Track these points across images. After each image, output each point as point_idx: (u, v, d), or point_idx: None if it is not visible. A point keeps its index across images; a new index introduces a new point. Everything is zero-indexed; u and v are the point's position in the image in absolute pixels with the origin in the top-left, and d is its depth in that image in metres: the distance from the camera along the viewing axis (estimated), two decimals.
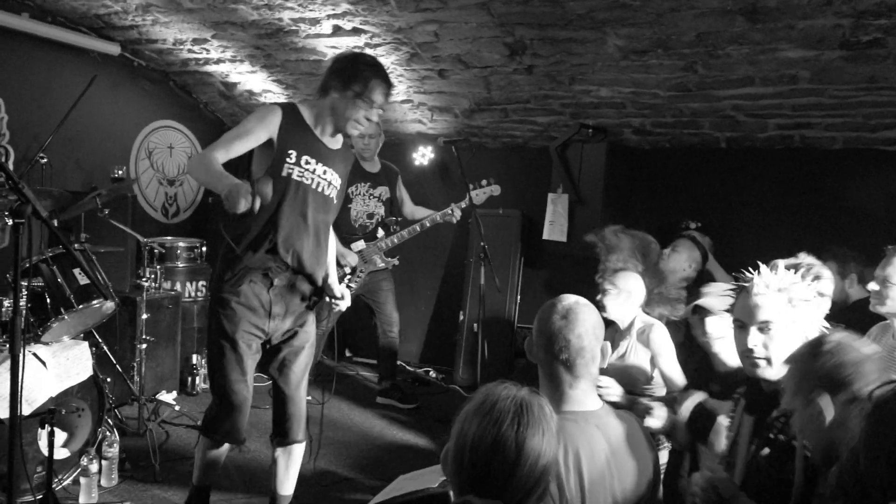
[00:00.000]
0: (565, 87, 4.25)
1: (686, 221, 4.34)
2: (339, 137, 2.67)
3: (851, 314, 3.27)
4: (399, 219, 4.63)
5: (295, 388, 2.71)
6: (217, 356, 2.56)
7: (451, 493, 1.32)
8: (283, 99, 5.37)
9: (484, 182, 4.32)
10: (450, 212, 4.35)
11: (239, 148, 2.48)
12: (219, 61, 4.99)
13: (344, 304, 2.78)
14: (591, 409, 1.77)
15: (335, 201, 2.70)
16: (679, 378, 2.90)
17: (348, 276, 4.35)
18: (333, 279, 2.82)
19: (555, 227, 4.71)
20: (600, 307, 2.86)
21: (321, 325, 4.16)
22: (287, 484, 2.81)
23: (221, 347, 2.54)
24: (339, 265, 4.33)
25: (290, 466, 2.79)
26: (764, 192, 4.41)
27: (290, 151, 2.52)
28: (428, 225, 4.41)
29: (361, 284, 4.48)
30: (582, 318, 1.78)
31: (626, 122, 4.52)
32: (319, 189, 2.60)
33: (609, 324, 2.80)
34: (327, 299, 2.76)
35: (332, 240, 2.88)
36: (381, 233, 4.50)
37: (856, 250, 3.78)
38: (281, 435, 2.72)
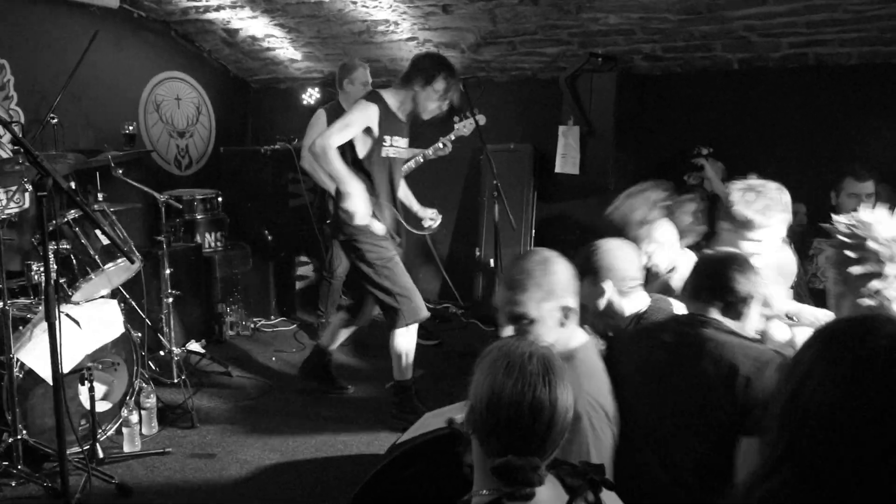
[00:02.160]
0: (573, 15, 4.15)
1: (698, 147, 4.29)
2: (405, 119, 3.50)
3: None
4: None
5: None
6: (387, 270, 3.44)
7: (477, 447, 1.34)
8: (286, 44, 5.30)
9: (467, 114, 4.32)
10: (441, 146, 4.42)
11: (347, 135, 3.28)
12: (219, 8, 4.91)
13: (436, 223, 3.89)
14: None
15: (404, 157, 3.79)
16: None
17: None
18: (418, 209, 3.88)
19: (567, 159, 4.68)
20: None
21: (336, 273, 4.46)
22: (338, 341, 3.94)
23: (380, 266, 3.43)
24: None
25: (346, 334, 3.92)
26: (778, 112, 4.33)
27: (385, 137, 3.39)
28: (422, 160, 4.43)
29: None
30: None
31: (636, 49, 4.42)
32: (401, 156, 3.60)
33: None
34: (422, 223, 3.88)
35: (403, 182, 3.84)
36: None
37: (875, 166, 3.77)
38: (358, 323, 3.83)
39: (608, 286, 2.20)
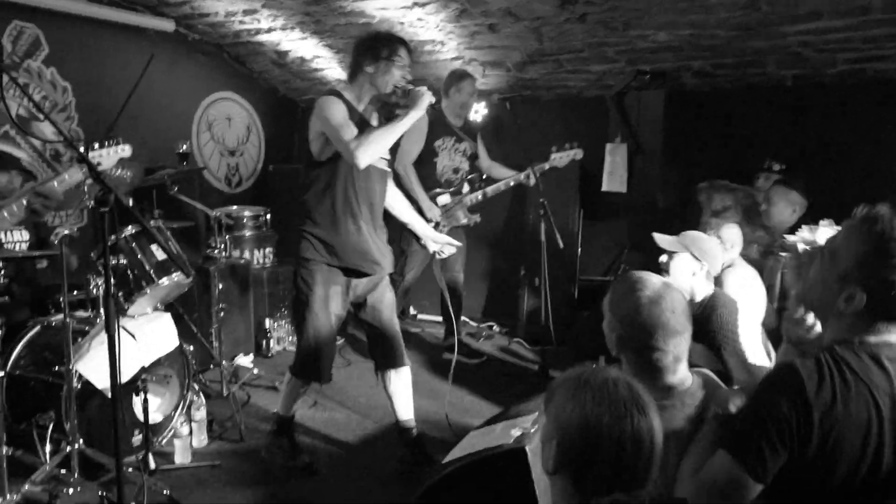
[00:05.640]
0: (620, 33, 4.13)
1: (769, 161, 4.13)
2: (375, 115, 3.01)
3: None
4: (484, 176, 4.65)
5: (388, 322, 3.15)
6: (306, 310, 3.04)
7: (564, 483, 1.26)
8: (334, 64, 5.40)
9: (567, 145, 4.28)
10: (529, 175, 4.31)
11: (352, 129, 2.82)
12: (270, 30, 5.03)
13: (448, 251, 3.42)
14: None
15: (387, 169, 3.12)
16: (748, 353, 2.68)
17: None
18: (425, 232, 3.41)
19: (614, 177, 4.65)
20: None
21: (406, 278, 4.31)
22: (405, 409, 3.24)
23: (311, 303, 3.02)
24: (425, 219, 4.41)
25: (403, 391, 3.22)
26: (835, 129, 4.23)
27: None
28: (512, 184, 4.43)
29: None
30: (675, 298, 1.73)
31: (685, 66, 4.38)
32: (378, 164, 2.97)
33: None
34: (430, 251, 3.43)
35: (403, 199, 3.34)
36: (466, 188, 4.54)
37: None
38: (388, 365, 3.17)
39: None
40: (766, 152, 4.23)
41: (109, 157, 2.82)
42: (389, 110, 3.04)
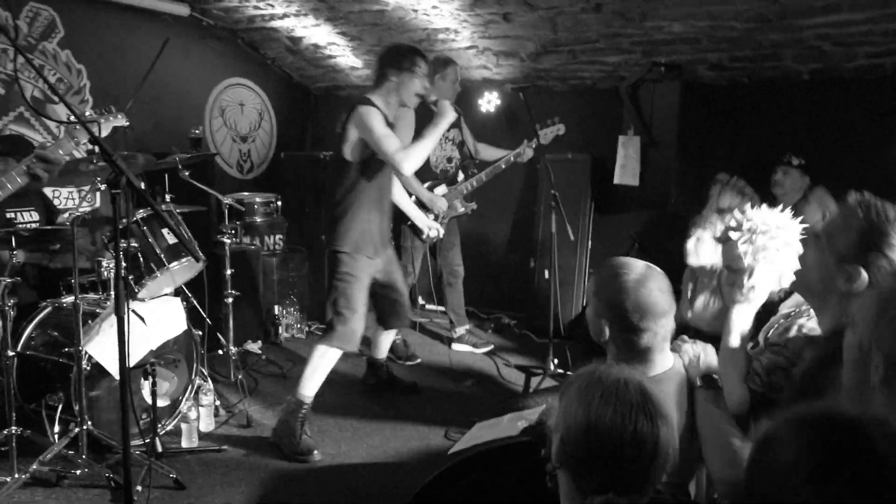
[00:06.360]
0: (636, 24, 4.09)
1: (789, 155, 4.02)
2: (395, 115, 3.44)
3: None
4: (477, 161, 4.63)
5: (402, 287, 3.67)
6: (349, 292, 3.35)
7: (567, 480, 1.25)
8: (347, 52, 5.38)
9: (549, 122, 4.29)
10: (521, 151, 4.35)
11: (395, 139, 3.23)
12: (284, 16, 5.02)
13: (433, 233, 4.13)
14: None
15: None
16: None
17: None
18: (415, 215, 4.14)
19: (626, 170, 4.61)
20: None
21: (409, 278, 4.33)
22: (384, 351, 4.02)
23: (349, 282, 3.34)
24: (428, 210, 4.41)
25: (388, 340, 4.02)
26: (853, 124, 4.17)
27: None
28: (503, 166, 4.40)
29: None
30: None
31: (701, 58, 4.33)
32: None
33: None
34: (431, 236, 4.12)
35: (404, 191, 3.97)
36: (461, 176, 4.52)
37: None
38: (394, 325, 3.79)
39: None
40: (782, 147, 4.17)
41: (102, 125, 2.82)
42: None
